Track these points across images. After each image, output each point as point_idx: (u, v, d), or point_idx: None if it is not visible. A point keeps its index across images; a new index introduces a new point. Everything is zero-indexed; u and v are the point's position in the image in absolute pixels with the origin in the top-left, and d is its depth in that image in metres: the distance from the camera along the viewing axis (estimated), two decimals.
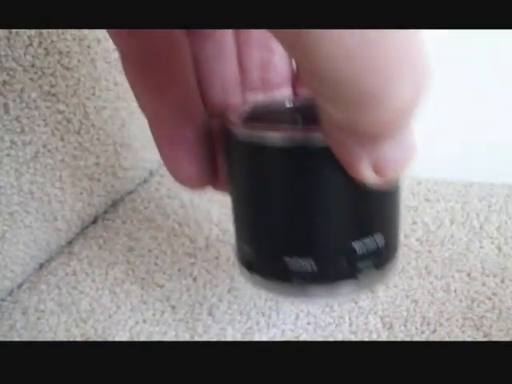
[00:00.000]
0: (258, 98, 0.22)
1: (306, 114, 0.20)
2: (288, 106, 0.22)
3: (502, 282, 0.29)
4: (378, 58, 0.12)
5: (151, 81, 0.20)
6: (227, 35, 0.21)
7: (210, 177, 0.22)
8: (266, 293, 0.25)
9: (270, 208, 0.19)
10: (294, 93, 0.23)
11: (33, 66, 0.30)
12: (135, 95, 0.20)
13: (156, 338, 0.27)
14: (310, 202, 0.18)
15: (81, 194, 0.36)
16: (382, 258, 0.20)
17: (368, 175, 0.16)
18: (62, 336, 0.28)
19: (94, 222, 0.39)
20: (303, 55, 0.12)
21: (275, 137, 0.18)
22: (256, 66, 0.22)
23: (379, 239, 0.19)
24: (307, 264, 0.19)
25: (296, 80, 0.22)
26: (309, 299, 0.22)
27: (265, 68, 0.22)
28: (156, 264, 0.33)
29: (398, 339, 0.26)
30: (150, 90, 0.20)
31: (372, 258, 0.20)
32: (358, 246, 0.19)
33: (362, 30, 0.11)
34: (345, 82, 0.12)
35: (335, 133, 0.16)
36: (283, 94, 0.22)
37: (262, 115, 0.21)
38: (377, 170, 0.16)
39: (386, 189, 0.19)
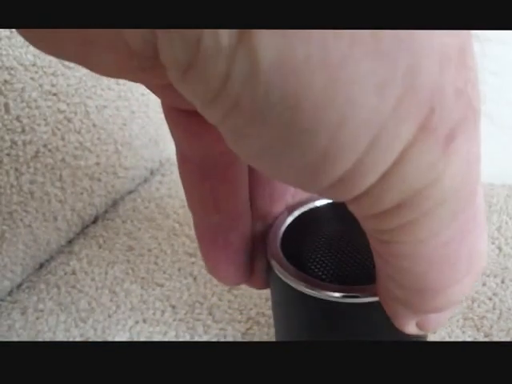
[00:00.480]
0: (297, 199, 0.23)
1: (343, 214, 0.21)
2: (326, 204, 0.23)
3: (503, 282, 0.29)
4: (449, 266, 0.13)
5: (207, 187, 0.19)
6: None
7: (247, 277, 0.22)
8: None
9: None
10: None
11: (33, 65, 0.30)
12: (187, 196, 0.20)
13: (156, 337, 0.27)
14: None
15: (81, 193, 0.36)
16: None
17: (411, 330, 0.17)
18: (61, 336, 0.28)
19: (94, 221, 0.39)
20: (397, 258, 0.13)
21: (312, 290, 0.19)
22: None
23: None
24: None
25: None
26: None
27: None
28: (156, 263, 0.33)
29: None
30: (204, 196, 0.20)
31: None
32: None
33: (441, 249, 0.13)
34: (415, 277, 0.14)
35: (390, 301, 0.17)
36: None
37: (303, 226, 0.21)
38: (421, 327, 0.17)
39: None
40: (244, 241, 0.21)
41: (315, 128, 0.10)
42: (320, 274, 0.20)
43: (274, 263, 0.20)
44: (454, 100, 0.10)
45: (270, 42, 0.09)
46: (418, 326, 0.17)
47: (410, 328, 0.17)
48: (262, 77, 0.10)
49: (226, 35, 0.10)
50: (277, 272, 0.20)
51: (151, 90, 0.17)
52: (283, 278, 0.19)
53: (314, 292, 0.19)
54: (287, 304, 0.21)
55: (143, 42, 0.11)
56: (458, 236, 0.13)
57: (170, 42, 0.10)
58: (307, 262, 0.20)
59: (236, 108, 0.10)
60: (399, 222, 0.12)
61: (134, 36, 0.11)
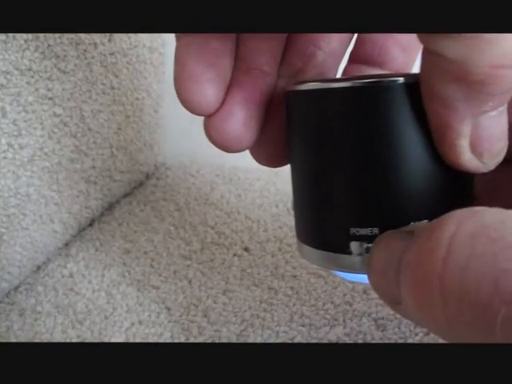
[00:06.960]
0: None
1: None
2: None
3: None
4: None
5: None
6: None
7: (255, 136, 0.21)
8: (323, 266, 0.20)
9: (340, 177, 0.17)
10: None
11: (29, 69, 0.31)
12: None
13: (151, 339, 0.27)
14: (382, 162, 0.16)
15: (77, 196, 0.36)
16: None
17: (464, 151, 0.16)
18: (58, 337, 0.28)
19: (91, 224, 0.39)
20: None
21: (341, 82, 0.17)
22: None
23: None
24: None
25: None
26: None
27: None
28: (152, 266, 0.33)
29: (392, 341, 0.26)
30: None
31: None
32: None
33: None
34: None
35: (440, 82, 0.15)
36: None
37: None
38: (473, 144, 0.16)
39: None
40: (265, 94, 0.21)
41: None
42: None
43: (296, 86, 0.18)
44: None
45: None
46: (472, 143, 0.16)
47: (463, 142, 0.16)
48: None
49: None
50: (299, 89, 0.18)
51: None
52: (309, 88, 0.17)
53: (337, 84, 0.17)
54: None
55: None
56: None
57: None
58: None
59: None
60: None
61: None
